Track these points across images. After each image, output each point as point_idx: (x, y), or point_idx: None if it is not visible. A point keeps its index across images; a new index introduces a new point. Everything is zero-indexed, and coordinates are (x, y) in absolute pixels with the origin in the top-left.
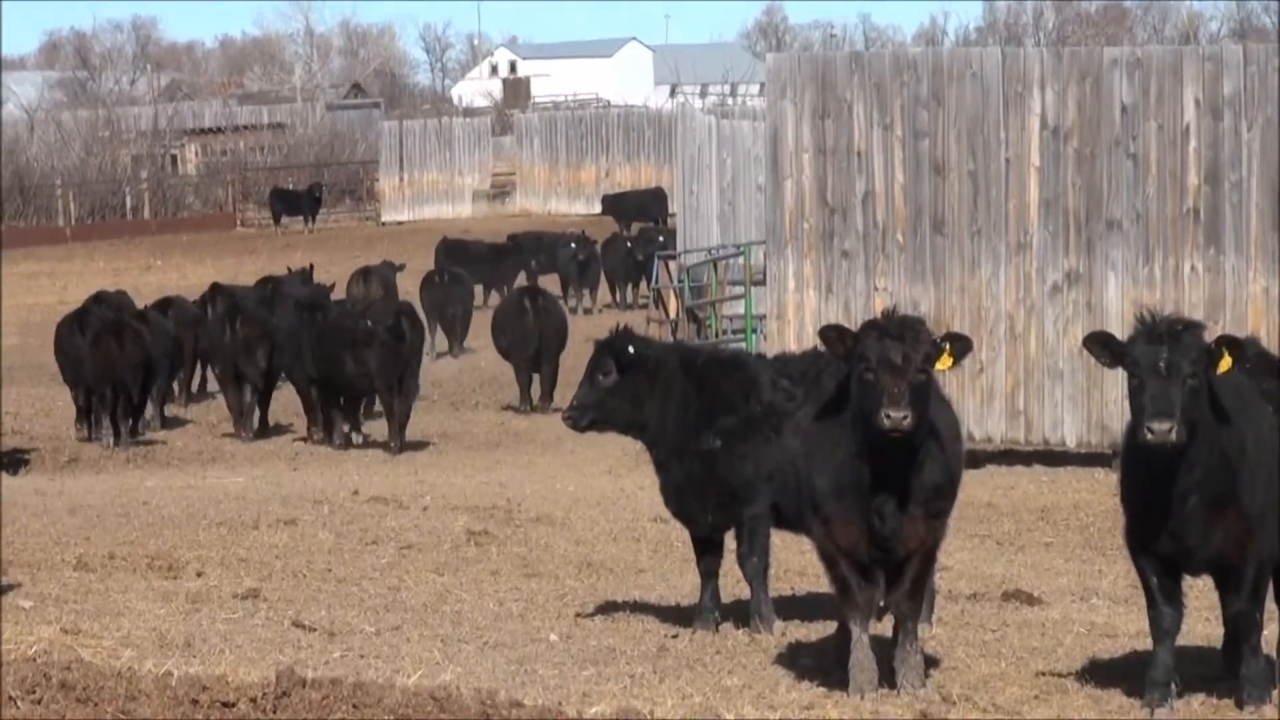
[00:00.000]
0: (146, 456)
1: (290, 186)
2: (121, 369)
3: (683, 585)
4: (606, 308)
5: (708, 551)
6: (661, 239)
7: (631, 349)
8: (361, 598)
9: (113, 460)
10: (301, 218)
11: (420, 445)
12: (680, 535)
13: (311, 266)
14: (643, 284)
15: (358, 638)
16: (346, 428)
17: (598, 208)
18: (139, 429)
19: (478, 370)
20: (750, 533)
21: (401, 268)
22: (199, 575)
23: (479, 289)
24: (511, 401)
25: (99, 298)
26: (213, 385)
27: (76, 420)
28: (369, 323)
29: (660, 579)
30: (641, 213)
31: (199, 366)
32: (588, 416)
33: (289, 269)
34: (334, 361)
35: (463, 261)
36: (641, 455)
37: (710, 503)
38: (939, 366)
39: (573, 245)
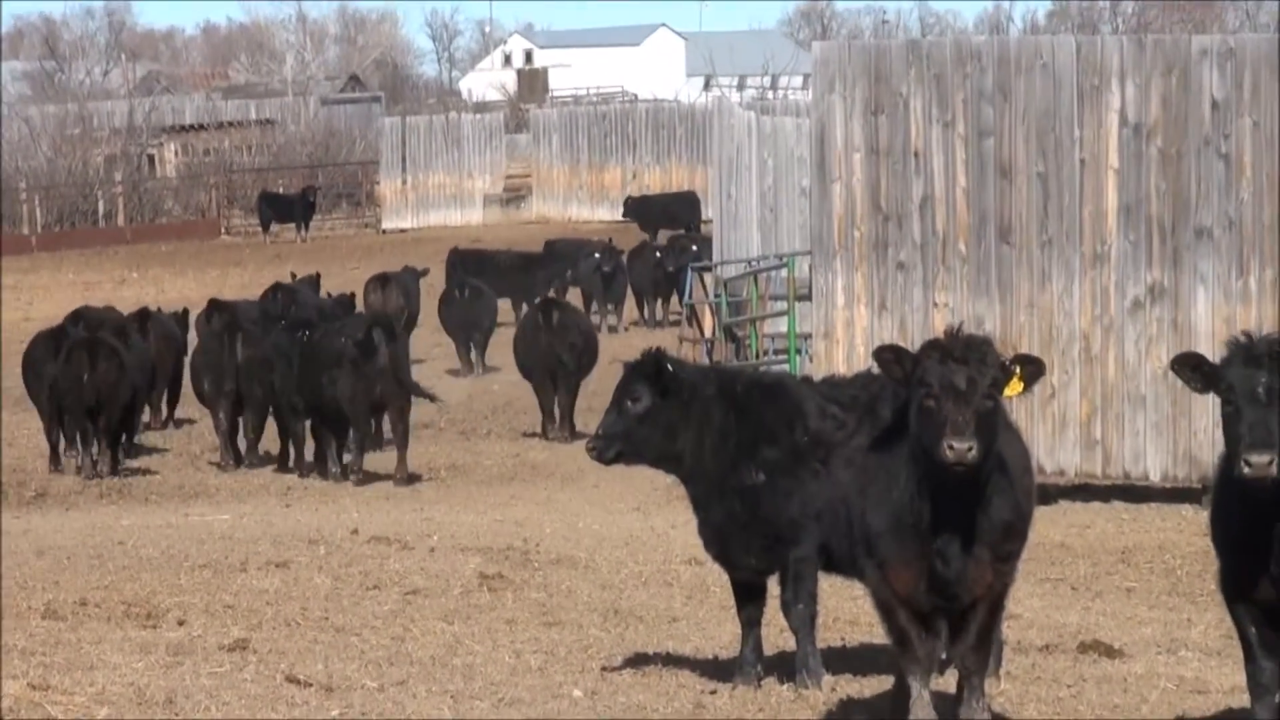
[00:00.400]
0: (121, 491)
1: (280, 190)
2: (98, 391)
3: (721, 635)
4: (634, 325)
5: (749, 598)
6: (695, 248)
7: (665, 372)
8: (362, 649)
9: (84, 495)
10: (293, 225)
11: (426, 479)
12: (718, 580)
13: (318, 275)
14: (674, 299)
15: (358, 694)
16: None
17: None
18: (119, 459)
19: (490, 395)
20: (796, 577)
21: (424, 273)
22: (181, 624)
23: (505, 304)
24: (531, 428)
25: (78, 316)
26: (187, 411)
27: (50, 458)
28: (342, 340)
29: (695, 628)
30: (670, 219)
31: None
32: (614, 447)
33: (292, 275)
34: (313, 387)
35: (485, 273)
36: (674, 490)
37: (752, 544)
38: (1007, 392)
39: (596, 255)
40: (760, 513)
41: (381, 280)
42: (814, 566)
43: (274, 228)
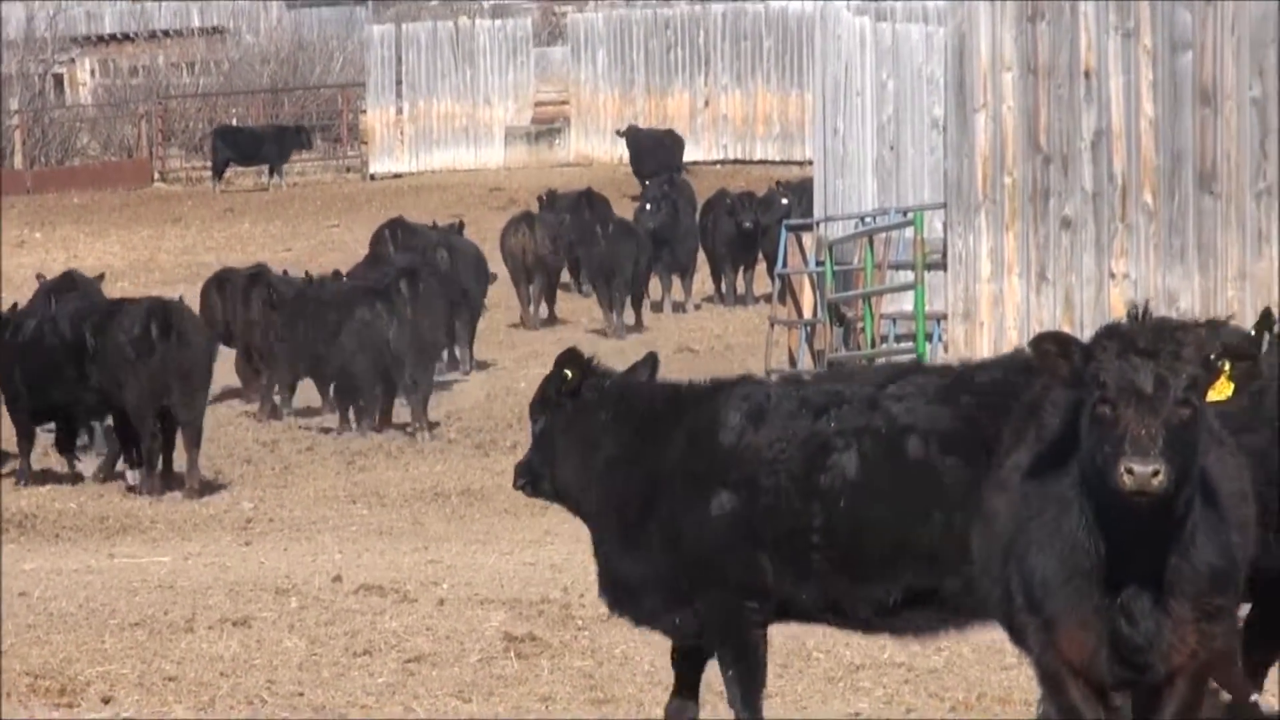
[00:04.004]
0: (22, 525)
1: (234, 121)
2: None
3: (828, 715)
4: (706, 302)
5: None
6: (785, 201)
7: (559, 380)
8: None
9: None
10: (261, 168)
11: (431, 507)
12: (821, 644)
13: (461, 223)
14: (762, 266)
15: None
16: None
17: (692, 152)
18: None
19: (515, 395)
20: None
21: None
22: (106, 702)
23: None
24: None
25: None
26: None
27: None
28: (120, 332)
29: (793, 707)
30: (655, 160)
31: None
32: (522, 478)
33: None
34: (108, 386)
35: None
36: None
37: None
38: (1213, 395)
39: (647, 207)
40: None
41: (525, 221)
42: (731, 617)
43: (227, 174)
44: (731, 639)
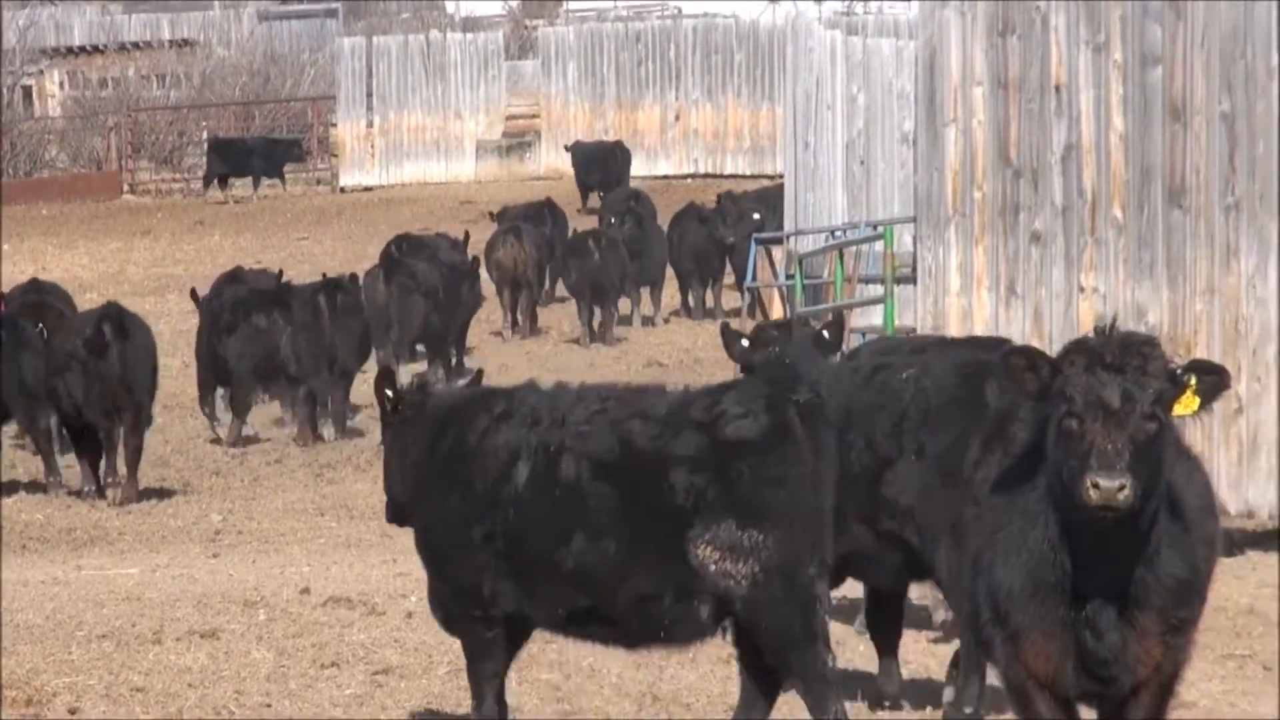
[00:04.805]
0: None
1: (216, 135)
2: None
3: None
4: (674, 316)
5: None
6: (756, 216)
7: (385, 399)
8: None
9: None
10: (247, 180)
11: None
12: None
13: (467, 235)
14: (729, 279)
15: None
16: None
17: (663, 166)
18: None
19: None
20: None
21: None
22: (73, 713)
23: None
24: None
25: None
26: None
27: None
28: (75, 339)
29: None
30: (599, 176)
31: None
32: (388, 513)
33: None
34: (51, 391)
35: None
36: None
37: None
38: (1179, 410)
39: (611, 221)
40: None
41: (515, 234)
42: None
43: (205, 187)
44: (465, 637)
